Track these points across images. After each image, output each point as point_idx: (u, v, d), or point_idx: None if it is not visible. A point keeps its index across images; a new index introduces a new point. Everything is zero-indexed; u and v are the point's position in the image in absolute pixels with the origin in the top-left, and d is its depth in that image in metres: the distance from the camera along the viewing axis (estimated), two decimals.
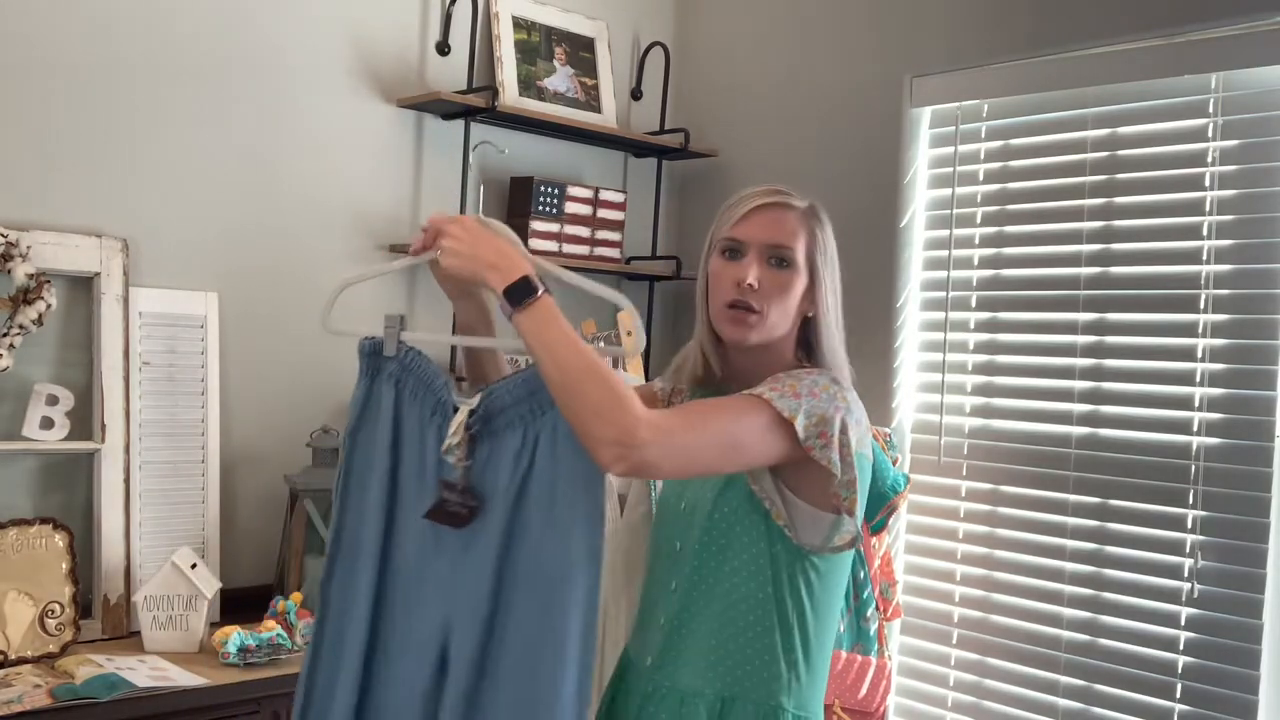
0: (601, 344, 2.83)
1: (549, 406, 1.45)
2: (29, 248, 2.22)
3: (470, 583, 1.48)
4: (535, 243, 2.88)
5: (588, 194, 3.00)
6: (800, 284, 1.60)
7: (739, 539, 1.57)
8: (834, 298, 1.63)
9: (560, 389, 1.41)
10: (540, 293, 1.44)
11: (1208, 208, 2.34)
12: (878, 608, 2.52)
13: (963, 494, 2.67)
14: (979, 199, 2.69)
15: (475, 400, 1.49)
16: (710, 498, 1.59)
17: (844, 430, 1.51)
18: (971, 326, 2.69)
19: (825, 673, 1.62)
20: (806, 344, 1.64)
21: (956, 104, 2.73)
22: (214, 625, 2.29)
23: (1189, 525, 2.32)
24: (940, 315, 2.74)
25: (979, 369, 2.67)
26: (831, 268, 1.63)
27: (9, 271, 2.19)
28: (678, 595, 1.60)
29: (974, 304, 2.69)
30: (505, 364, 1.74)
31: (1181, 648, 2.32)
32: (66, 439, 2.29)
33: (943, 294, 2.73)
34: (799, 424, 1.47)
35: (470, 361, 1.72)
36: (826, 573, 1.57)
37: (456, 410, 1.50)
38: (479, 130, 2.89)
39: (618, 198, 3.07)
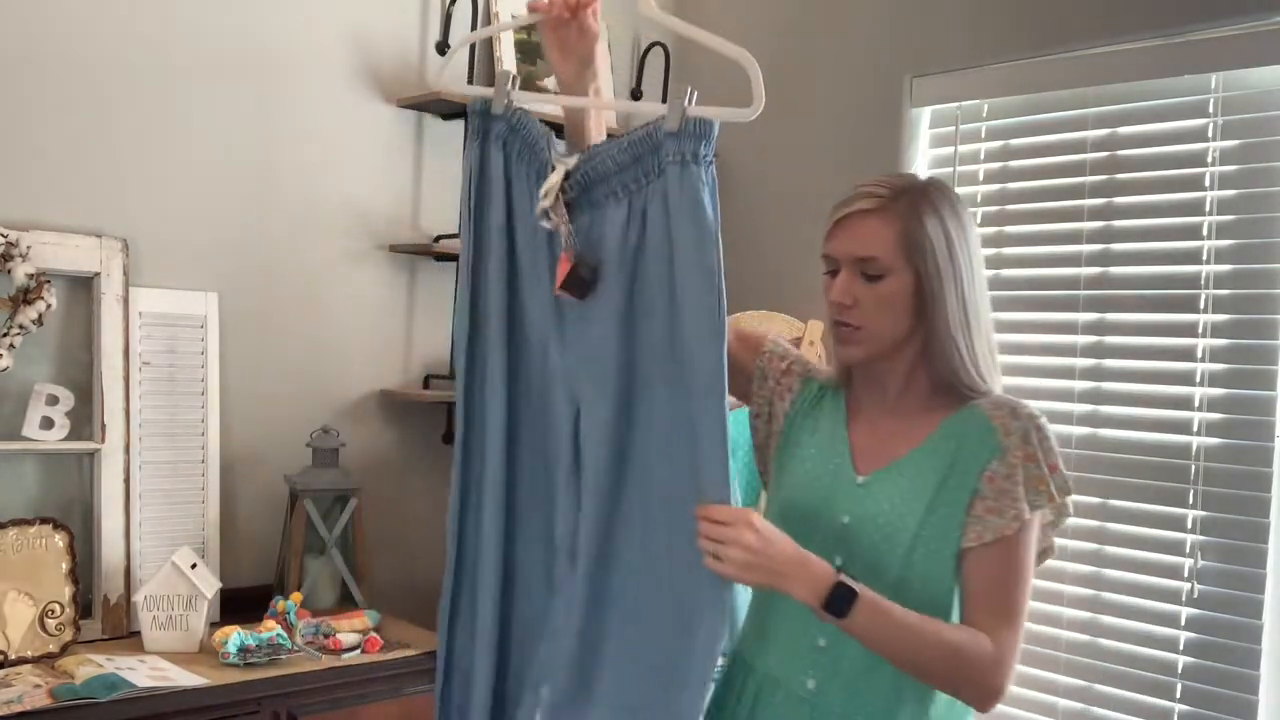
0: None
1: (655, 175, 1.41)
2: (29, 248, 2.22)
3: (595, 360, 1.48)
4: None
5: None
6: (901, 286, 1.51)
7: (926, 572, 1.50)
8: (953, 285, 1.52)
9: (911, 670, 1.45)
10: (858, 594, 1.39)
11: (1208, 208, 2.34)
12: None
13: None
14: (979, 199, 2.69)
15: (573, 161, 1.44)
16: (907, 537, 1.50)
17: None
18: None
19: None
20: (925, 340, 1.56)
21: (956, 104, 2.73)
22: (214, 625, 2.29)
23: (1189, 525, 2.32)
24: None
25: None
26: (940, 255, 1.51)
27: (9, 271, 2.19)
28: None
29: None
30: (605, 130, 1.65)
31: (1181, 648, 2.32)
32: (66, 439, 2.29)
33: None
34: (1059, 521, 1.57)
35: (571, 125, 1.62)
36: None
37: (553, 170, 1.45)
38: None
39: None
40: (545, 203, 1.43)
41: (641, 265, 1.44)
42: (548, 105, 1.69)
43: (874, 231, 1.51)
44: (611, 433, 1.47)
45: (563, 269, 1.44)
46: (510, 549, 1.59)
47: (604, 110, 1.63)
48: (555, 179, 1.43)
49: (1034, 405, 1.58)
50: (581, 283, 1.44)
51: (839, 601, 1.39)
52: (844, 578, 1.41)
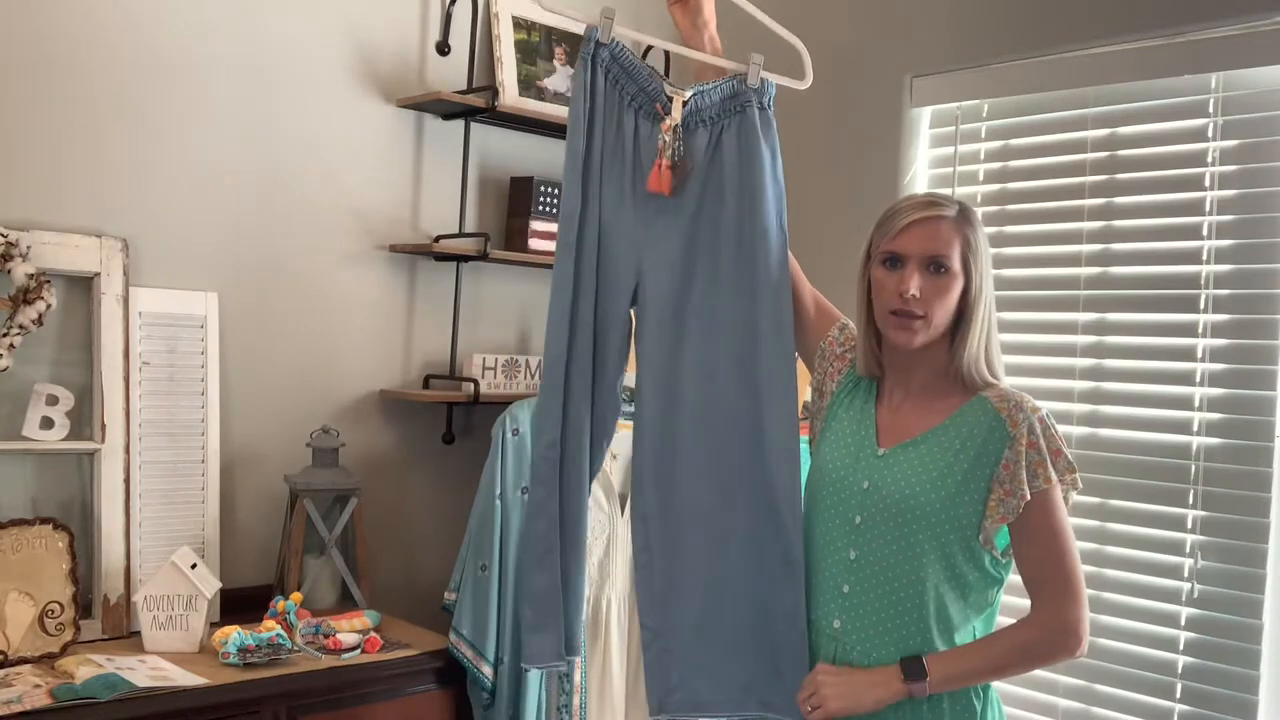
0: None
1: (733, 113, 1.88)
2: (29, 248, 2.22)
3: (662, 248, 1.88)
4: (535, 242, 2.88)
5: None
6: (957, 286, 1.75)
7: (933, 540, 1.72)
8: (985, 294, 1.77)
9: (1000, 678, 1.75)
10: (924, 673, 1.67)
11: (1208, 208, 2.34)
12: None
13: None
14: (979, 199, 2.69)
15: (688, 93, 1.86)
16: (934, 508, 1.72)
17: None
18: None
19: None
20: (952, 337, 1.78)
21: (956, 104, 2.73)
22: (214, 625, 2.29)
23: (1189, 525, 2.32)
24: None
25: None
26: (982, 265, 1.77)
27: (9, 271, 2.19)
28: (861, 564, 1.75)
29: None
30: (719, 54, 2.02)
31: (1181, 648, 2.32)
32: (66, 439, 2.29)
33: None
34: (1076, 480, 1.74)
35: (698, 62, 2.00)
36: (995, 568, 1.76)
37: (669, 100, 1.86)
38: (479, 130, 2.89)
39: None
40: (674, 120, 1.84)
41: (714, 174, 1.87)
42: (652, 40, 2.12)
43: (949, 235, 1.74)
44: (670, 305, 1.87)
45: (660, 171, 1.84)
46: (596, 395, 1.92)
47: (712, 55, 2.00)
48: (679, 106, 1.85)
49: (1036, 401, 1.76)
50: (680, 172, 1.86)
51: (914, 672, 1.67)
52: (903, 660, 1.70)
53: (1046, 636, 1.69)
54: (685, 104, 1.86)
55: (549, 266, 2.99)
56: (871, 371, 1.86)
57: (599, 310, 1.89)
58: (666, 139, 1.84)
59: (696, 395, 1.87)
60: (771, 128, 1.89)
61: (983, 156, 2.70)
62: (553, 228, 2.92)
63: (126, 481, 2.33)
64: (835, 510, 1.80)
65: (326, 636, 2.29)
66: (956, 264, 1.74)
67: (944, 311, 1.75)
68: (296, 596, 2.37)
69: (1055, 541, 1.70)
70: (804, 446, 1.94)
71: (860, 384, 1.90)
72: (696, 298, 1.88)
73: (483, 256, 2.75)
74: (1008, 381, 1.81)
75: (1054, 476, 1.69)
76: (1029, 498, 1.68)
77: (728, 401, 1.86)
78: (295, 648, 2.23)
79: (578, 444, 1.88)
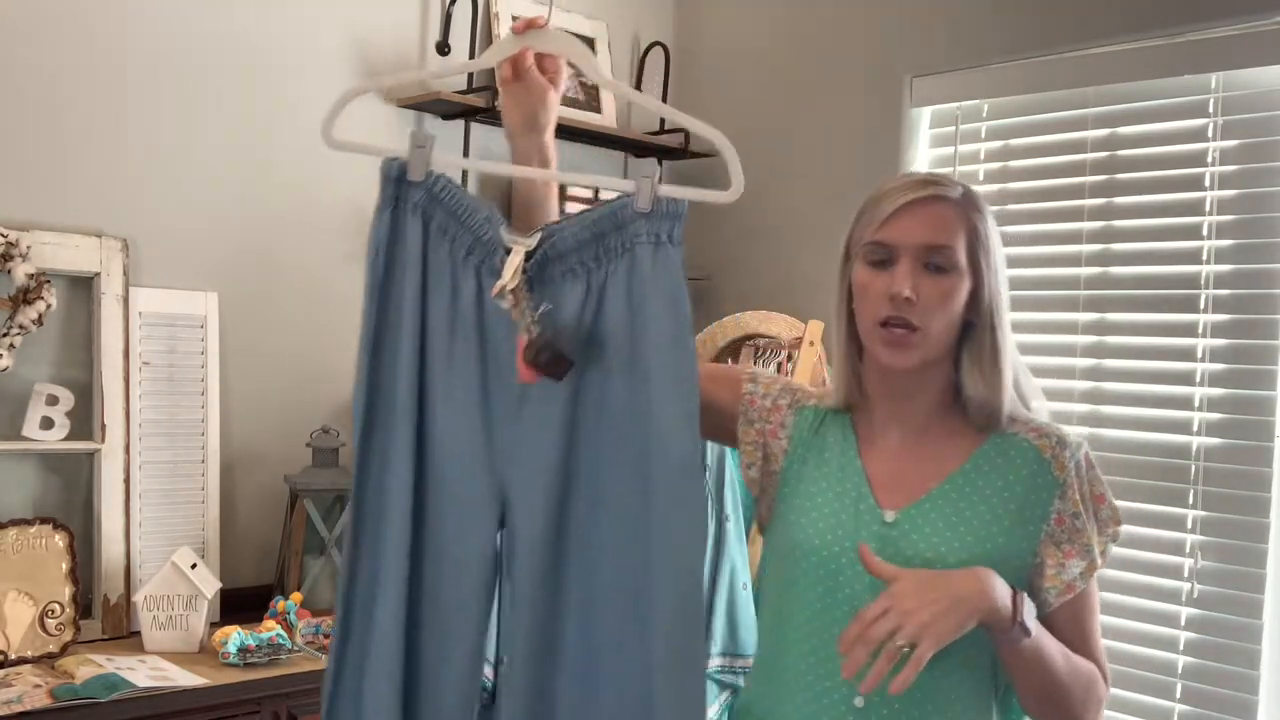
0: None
1: (618, 253, 1.30)
2: (29, 248, 2.22)
3: (531, 451, 1.32)
4: None
5: (588, 194, 3.00)
6: (964, 289, 1.37)
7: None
8: (1001, 299, 1.40)
9: (1050, 698, 1.33)
10: (1031, 629, 1.26)
11: (1208, 208, 2.34)
12: None
13: None
14: None
15: (534, 240, 1.31)
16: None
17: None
18: None
19: None
20: (957, 354, 1.41)
21: (956, 104, 2.73)
22: (214, 625, 2.29)
23: (1189, 525, 2.32)
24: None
25: None
26: (995, 263, 1.40)
27: (9, 271, 2.19)
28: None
29: None
30: (556, 209, 1.50)
31: (1181, 648, 2.32)
32: (66, 439, 2.29)
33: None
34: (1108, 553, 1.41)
35: (519, 203, 1.48)
36: None
37: (508, 252, 1.31)
38: (479, 130, 2.88)
39: None
40: (510, 284, 1.29)
41: (596, 347, 1.31)
42: (498, 168, 1.53)
43: (951, 221, 1.37)
44: (550, 527, 1.31)
45: (521, 353, 1.29)
46: (413, 659, 1.38)
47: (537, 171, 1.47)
48: (517, 259, 1.30)
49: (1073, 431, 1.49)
50: (559, 362, 1.28)
51: (1017, 633, 1.26)
52: (1022, 611, 1.26)
53: (1096, 677, 1.36)
54: (536, 251, 1.31)
55: None
56: (851, 401, 1.46)
57: (433, 564, 1.36)
58: (502, 304, 1.30)
59: (580, 653, 1.32)
60: (672, 268, 1.28)
61: (983, 156, 2.70)
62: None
63: (126, 481, 2.33)
64: (831, 602, 1.35)
65: (326, 636, 2.29)
66: (962, 259, 1.37)
67: (941, 321, 1.36)
68: (296, 596, 2.37)
69: (1097, 595, 1.39)
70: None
71: (825, 426, 1.47)
72: (578, 518, 1.32)
73: None
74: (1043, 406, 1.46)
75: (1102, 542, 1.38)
76: (1100, 564, 1.36)
77: (621, 655, 1.30)
78: (295, 648, 2.23)
79: None
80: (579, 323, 1.31)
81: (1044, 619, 1.32)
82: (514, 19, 2.94)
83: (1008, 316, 1.42)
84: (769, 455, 1.49)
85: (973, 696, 1.35)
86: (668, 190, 1.30)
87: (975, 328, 1.39)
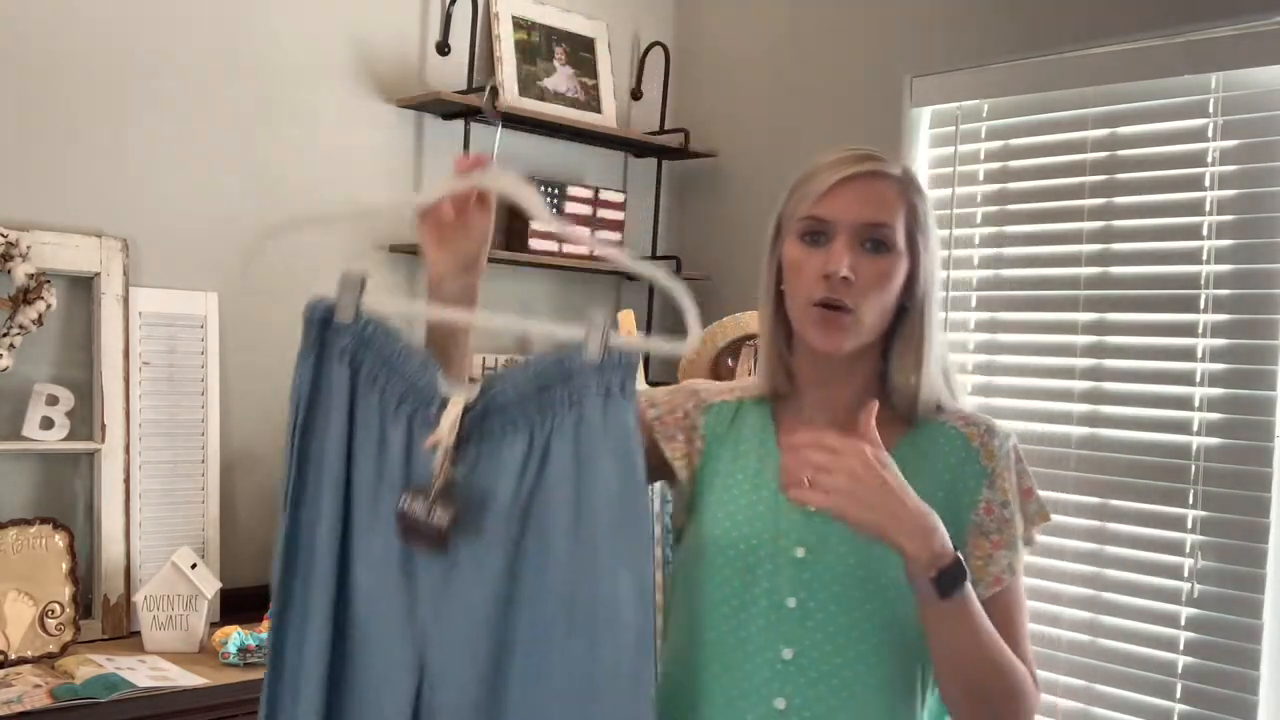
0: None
1: (565, 407, 1.19)
2: (29, 248, 2.22)
3: (460, 619, 1.20)
4: (535, 243, 2.89)
5: (588, 194, 3.01)
6: (901, 271, 1.31)
7: (905, 613, 1.25)
8: (935, 284, 1.35)
9: (971, 686, 1.22)
10: (967, 576, 1.18)
11: (1208, 208, 2.34)
12: None
13: None
14: (979, 199, 2.69)
15: (473, 394, 1.21)
16: (885, 567, 1.25)
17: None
18: (971, 326, 2.69)
19: None
20: (887, 340, 1.35)
21: (956, 104, 2.73)
22: (214, 625, 2.29)
23: (1189, 525, 2.32)
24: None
25: (979, 369, 2.66)
26: (933, 246, 1.34)
27: (9, 271, 2.19)
28: (800, 666, 1.27)
29: (974, 304, 2.69)
30: (472, 361, 1.43)
31: (1181, 648, 2.32)
32: (66, 439, 2.29)
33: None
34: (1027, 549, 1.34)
35: (436, 349, 1.36)
36: None
37: (445, 404, 1.21)
38: (479, 130, 2.89)
39: (618, 198, 3.07)
40: (446, 441, 1.19)
41: (539, 506, 1.19)
42: (439, 314, 1.36)
43: (892, 199, 1.31)
44: (480, 706, 1.20)
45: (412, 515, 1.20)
46: None
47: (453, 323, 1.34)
48: (455, 412, 1.19)
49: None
50: (424, 534, 1.19)
51: (951, 580, 1.17)
52: (961, 556, 1.18)
53: (1025, 674, 1.27)
54: (476, 403, 1.20)
55: (549, 267, 3.02)
56: (778, 389, 1.39)
57: None
58: (434, 462, 1.19)
59: None
60: (624, 424, 1.17)
61: (983, 156, 2.70)
62: (553, 228, 2.92)
63: (126, 481, 2.33)
64: (748, 598, 1.28)
65: None
66: (901, 240, 1.30)
67: (877, 302, 1.29)
68: None
69: (1023, 592, 1.32)
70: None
71: (741, 416, 1.41)
72: (515, 696, 1.19)
73: None
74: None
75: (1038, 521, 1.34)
76: (1025, 552, 1.33)
77: None
78: None
79: None
80: (518, 481, 1.20)
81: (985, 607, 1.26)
82: (513, 17, 2.94)
83: (939, 303, 1.37)
84: (691, 462, 1.41)
85: (898, 699, 1.28)
86: (620, 340, 1.18)
87: (908, 312, 1.34)
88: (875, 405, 1.23)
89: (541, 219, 1.29)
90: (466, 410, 1.21)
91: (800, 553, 1.29)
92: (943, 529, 1.18)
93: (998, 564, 1.29)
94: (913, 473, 1.24)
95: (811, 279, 1.29)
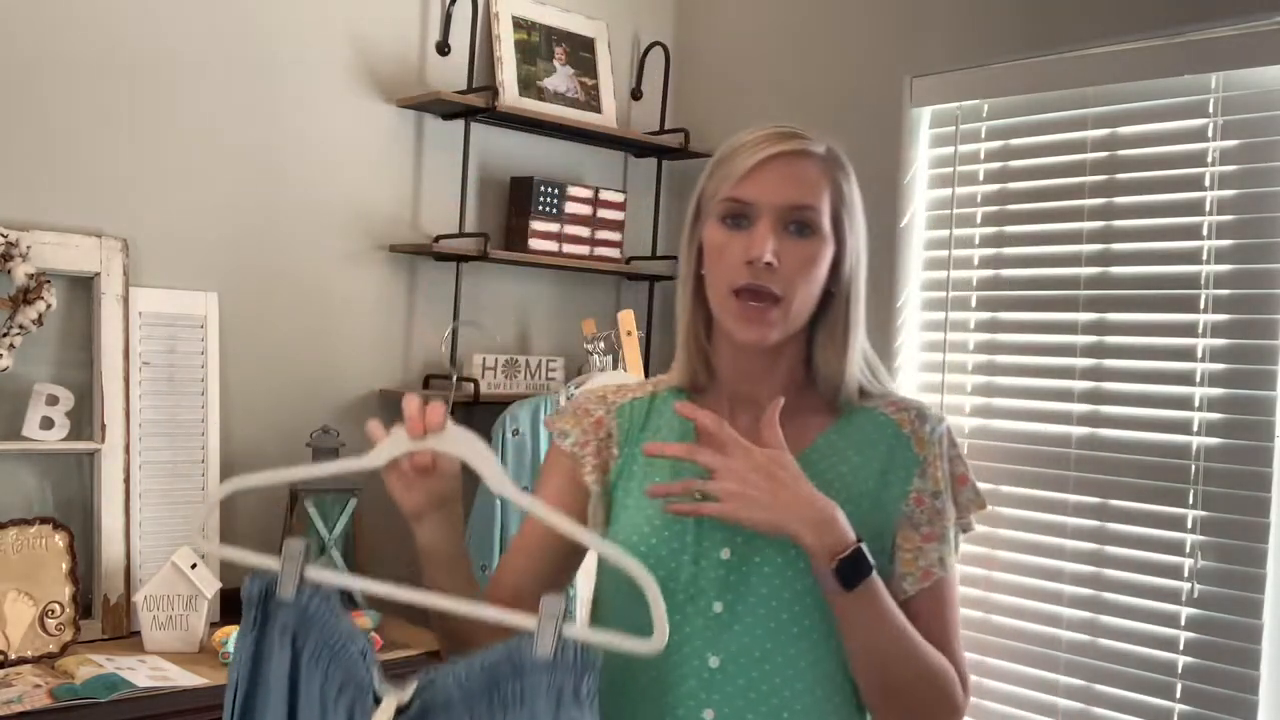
0: (601, 344, 2.83)
1: (515, 705, 1.05)
2: (29, 248, 2.22)
3: None
4: (535, 242, 2.89)
5: (588, 194, 3.00)
6: (828, 255, 1.25)
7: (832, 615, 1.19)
8: (861, 267, 1.29)
9: (888, 683, 1.18)
10: (874, 570, 1.14)
11: (1208, 208, 2.34)
12: None
13: None
14: (979, 199, 2.69)
15: (408, 691, 1.10)
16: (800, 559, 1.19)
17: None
18: (971, 326, 2.69)
19: None
20: (811, 327, 1.29)
21: (956, 104, 2.73)
22: (214, 625, 2.29)
23: (1189, 525, 2.32)
24: (940, 315, 2.74)
25: (979, 369, 2.66)
26: (859, 228, 1.29)
27: (9, 271, 2.19)
28: (727, 674, 1.21)
29: (974, 304, 2.69)
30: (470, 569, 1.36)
31: (1181, 648, 2.32)
32: (66, 439, 2.29)
33: (943, 294, 2.73)
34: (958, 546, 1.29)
35: (442, 618, 1.28)
36: None
37: (379, 700, 1.10)
38: (479, 130, 2.89)
39: (618, 198, 3.07)
40: None
41: None
42: (389, 591, 1.21)
43: (816, 179, 1.25)
44: None
45: None
46: None
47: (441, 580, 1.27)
48: (388, 712, 1.10)
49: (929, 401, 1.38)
50: None
51: (852, 570, 1.13)
52: (864, 546, 1.14)
53: (950, 673, 1.23)
54: (411, 703, 1.11)
55: (549, 267, 3.02)
56: (696, 382, 1.33)
57: None
58: None
59: None
60: None
61: (983, 156, 2.70)
62: (554, 228, 2.93)
63: (126, 481, 2.33)
64: (672, 601, 1.17)
65: None
66: (826, 222, 1.25)
67: (802, 289, 1.23)
68: None
69: (956, 584, 1.27)
70: None
71: (654, 415, 1.34)
72: None
73: (483, 256, 2.75)
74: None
75: (972, 509, 1.29)
76: (959, 541, 1.28)
77: None
78: None
79: None
80: None
81: (900, 609, 1.21)
82: (513, 17, 2.94)
83: (864, 287, 1.30)
84: (604, 472, 1.33)
85: (834, 713, 1.23)
86: (576, 633, 1.03)
87: (834, 298, 1.28)
88: (780, 402, 1.20)
89: (495, 486, 1.17)
90: (400, 712, 1.10)
91: (725, 554, 1.23)
92: (843, 519, 1.15)
93: (927, 558, 1.24)
94: (840, 462, 1.22)
95: (733, 264, 1.23)
